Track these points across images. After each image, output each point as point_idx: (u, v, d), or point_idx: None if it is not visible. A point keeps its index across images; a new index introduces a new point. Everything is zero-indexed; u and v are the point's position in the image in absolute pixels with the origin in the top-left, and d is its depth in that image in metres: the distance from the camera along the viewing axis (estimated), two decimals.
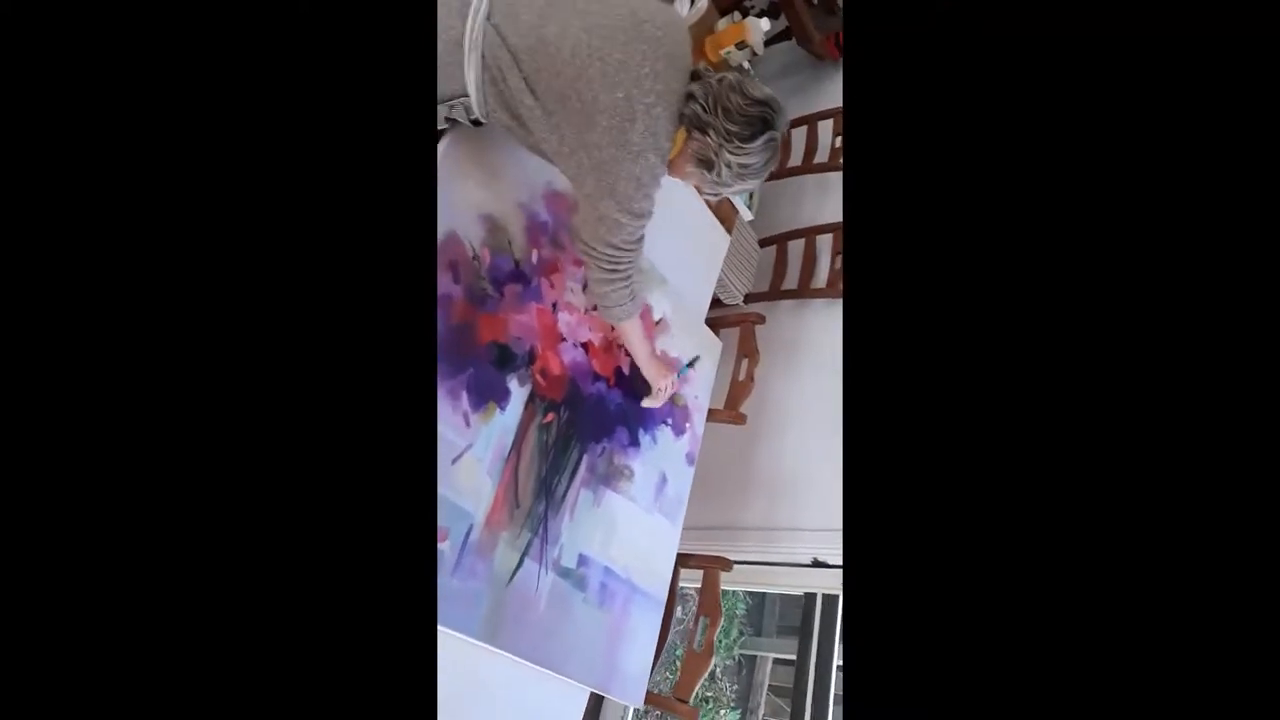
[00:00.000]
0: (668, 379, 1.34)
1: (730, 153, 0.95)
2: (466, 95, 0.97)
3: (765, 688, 3.34)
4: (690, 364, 1.48)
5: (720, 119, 0.93)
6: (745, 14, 1.91)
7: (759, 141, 0.95)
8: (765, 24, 1.80)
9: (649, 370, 1.31)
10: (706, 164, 0.97)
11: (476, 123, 1.03)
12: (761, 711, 3.28)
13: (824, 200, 2.31)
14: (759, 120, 0.94)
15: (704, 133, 0.95)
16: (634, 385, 1.39)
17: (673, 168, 1.01)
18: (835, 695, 1.70)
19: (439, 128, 1.06)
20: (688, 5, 1.72)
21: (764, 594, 3.04)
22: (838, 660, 1.72)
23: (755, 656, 3.40)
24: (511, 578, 1.10)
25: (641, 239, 1.03)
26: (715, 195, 1.07)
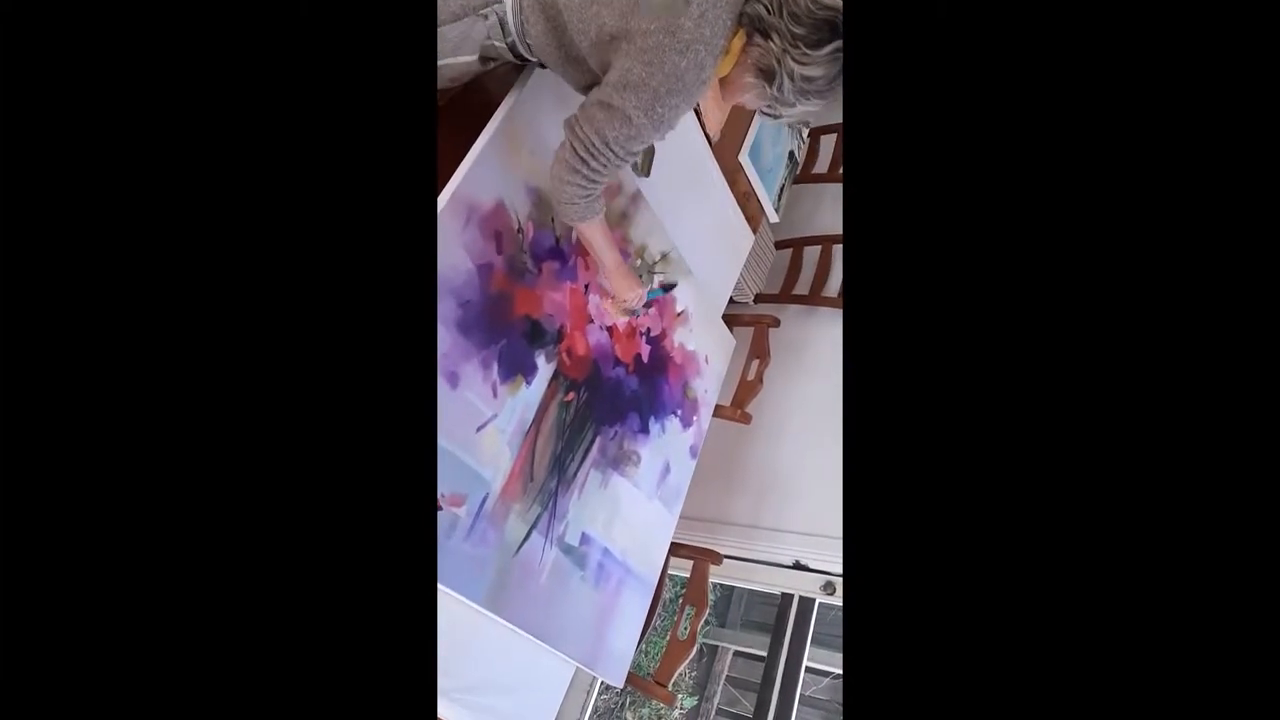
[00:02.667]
0: (635, 294, 1.23)
1: (795, 60, 0.86)
2: (500, 0, 0.92)
3: (724, 678, 3.42)
4: (665, 288, 1.36)
5: (785, 21, 0.85)
6: None
7: (826, 50, 0.85)
8: None
9: (615, 280, 1.20)
10: (767, 74, 0.89)
11: (516, 54, 0.97)
12: (717, 700, 3.36)
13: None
14: (827, 25, 0.84)
15: (766, 37, 0.87)
16: (652, 373, 1.41)
17: (728, 84, 0.93)
18: (800, 695, 1.75)
19: (471, 57, 0.99)
20: None
21: (733, 587, 3.10)
22: (806, 661, 1.77)
23: (717, 647, 3.48)
24: (519, 549, 1.11)
25: (635, 156, 0.93)
26: (774, 115, 0.97)
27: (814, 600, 1.84)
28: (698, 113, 1.62)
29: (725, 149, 1.74)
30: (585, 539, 1.25)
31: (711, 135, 1.67)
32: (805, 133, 2.14)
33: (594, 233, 1.08)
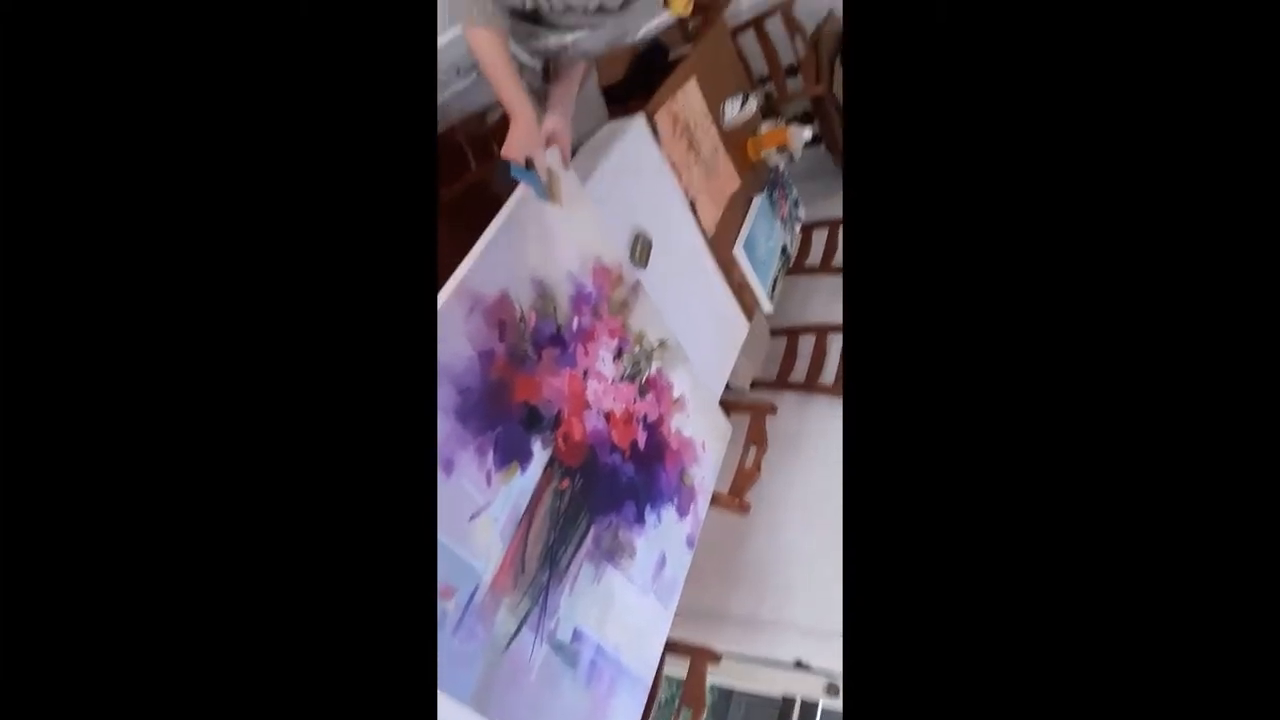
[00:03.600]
0: (523, 131, 1.05)
1: None
2: None
3: None
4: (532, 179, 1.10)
5: None
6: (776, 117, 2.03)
7: None
8: (807, 133, 1.90)
9: (512, 106, 1.05)
10: None
11: None
12: None
13: (837, 301, 2.39)
14: None
15: None
16: (648, 459, 1.40)
17: None
18: None
19: None
20: (738, 107, 1.83)
21: (731, 690, 2.95)
22: None
23: None
24: (508, 645, 1.07)
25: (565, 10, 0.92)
26: None
27: (817, 704, 1.75)
28: (694, 208, 1.69)
29: (720, 242, 1.81)
30: (577, 635, 1.20)
31: (707, 229, 1.74)
32: (798, 228, 2.22)
33: (487, 49, 0.98)
